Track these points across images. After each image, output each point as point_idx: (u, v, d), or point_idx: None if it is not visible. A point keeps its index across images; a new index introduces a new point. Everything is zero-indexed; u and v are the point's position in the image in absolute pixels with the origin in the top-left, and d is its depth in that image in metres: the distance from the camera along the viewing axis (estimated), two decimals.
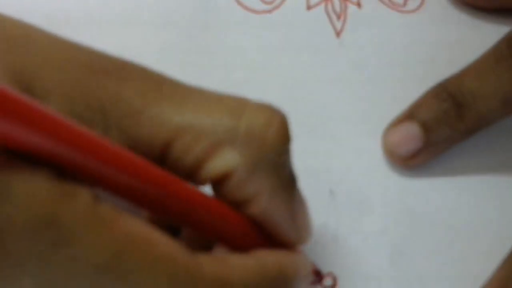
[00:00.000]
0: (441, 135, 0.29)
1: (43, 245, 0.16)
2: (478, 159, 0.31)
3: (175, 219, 0.20)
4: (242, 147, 0.20)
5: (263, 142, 0.20)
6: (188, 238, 0.22)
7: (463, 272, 0.29)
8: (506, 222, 0.30)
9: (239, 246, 0.21)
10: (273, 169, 0.20)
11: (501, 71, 0.29)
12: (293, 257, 0.22)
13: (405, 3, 0.34)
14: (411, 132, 0.29)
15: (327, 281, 0.28)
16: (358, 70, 0.32)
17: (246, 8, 0.33)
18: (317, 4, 0.34)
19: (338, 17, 0.34)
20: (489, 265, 0.28)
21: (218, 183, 0.20)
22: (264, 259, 0.21)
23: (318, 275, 0.28)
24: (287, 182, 0.21)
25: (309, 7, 0.34)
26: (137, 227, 0.18)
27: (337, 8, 0.34)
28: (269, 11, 0.33)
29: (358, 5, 0.34)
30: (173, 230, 0.21)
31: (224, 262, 0.19)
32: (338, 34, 0.33)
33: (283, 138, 0.20)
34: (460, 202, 0.30)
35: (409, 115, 0.30)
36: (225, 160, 0.20)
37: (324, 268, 0.28)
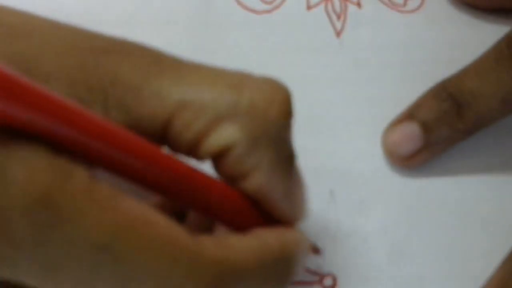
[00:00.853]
0: (441, 135, 0.29)
1: (41, 226, 0.16)
2: (478, 159, 0.31)
3: (174, 198, 0.19)
4: (243, 122, 0.19)
5: (264, 117, 0.20)
6: (191, 223, 0.22)
7: (463, 272, 0.29)
8: (506, 222, 0.30)
9: (239, 225, 0.21)
10: (273, 144, 0.20)
11: (501, 71, 0.29)
12: (292, 234, 0.22)
13: (405, 3, 0.34)
14: (411, 132, 0.29)
15: (327, 281, 0.28)
16: (358, 70, 0.32)
17: (246, 8, 0.33)
18: (317, 4, 0.34)
19: (338, 17, 0.34)
20: (489, 265, 0.28)
21: (218, 157, 0.20)
22: (265, 237, 0.20)
23: (316, 251, 0.28)
24: (285, 158, 0.21)
25: (309, 7, 0.34)
26: (136, 208, 0.17)
27: (337, 8, 0.34)
28: (269, 11, 0.33)
29: (358, 5, 0.34)
30: (177, 216, 0.21)
31: (225, 242, 0.19)
32: (338, 34, 0.33)
33: (285, 113, 0.20)
34: (460, 202, 0.30)
35: (409, 115, 0.30)
36: (225, 135, 0.19)
37: (324, 268, 0.28)
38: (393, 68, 0.32)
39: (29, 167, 0.16)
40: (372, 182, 0.30)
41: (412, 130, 0.29)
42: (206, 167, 0.21)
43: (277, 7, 0.34)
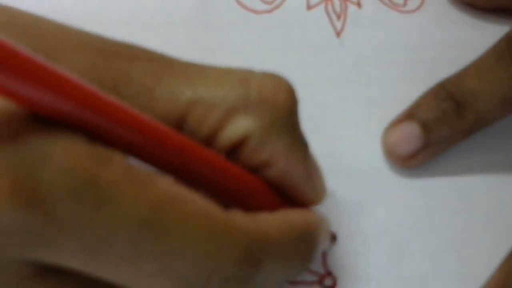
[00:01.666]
0: (441, 135, 0.29)
1: (85, 206, 0.17)
2: (478, 159, 0.31)
3: (198, 184, 0.20)
4: (254, 112, 0.20)
5: (273, 105, 0.21)
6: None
7: (463, 272, 0.29)
8: (506, 222, 0.30)
9: (264, 209, 0.21)
10: (286, 129, 0.21)
11: (501, 71, 0.29)
12: (315, 215, 0.23)
13: (405, 3, 0.34)
14: (411, 132, 0.29)
15: (327, 281, 0.28)
16: (358, 70, 0.32)
17: (246, 8, 0.33)
18: (317, 4, 0.34)
19: (338, 17, 0.34)
20: (489, 265, 0.28)
21: (235, 149, 0.21)
22: (291, 216, 0.21)
23: (333, 238, 0.28)
24: (300, 142, 0.22)
25: (309, 7, 0.34)
26: (172, 186, 0.18)
27: (337, 8, 0.34)
28: (269, 11, 0.34)
29: (358, 5, 0.34)
30: None
31: (255, 216, 0.20)
32: (338, 34, 0.33)
33: (292, 100, 0.21)
34: (460, 202, 0.30)
35: (409, 115, 0.30)
36: (240, 126, 0.20)
37: (324, 268, 0.28)
38: (393, 68, 0.32)
39: (71, 153, 0.17)
40: (372, 182, 0.30)
41: (412, 130, 0.29)
42: None
43: (277, 7, 0.34)
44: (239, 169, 0.21)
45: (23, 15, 0.20)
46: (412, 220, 0.29)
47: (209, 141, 0.20)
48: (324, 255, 0.29)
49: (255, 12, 0.33)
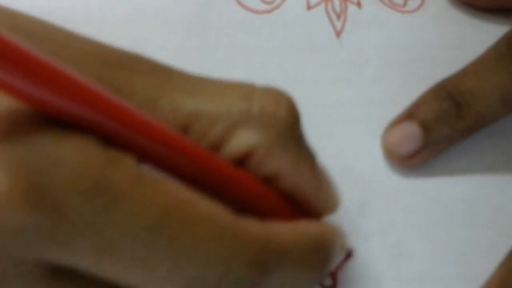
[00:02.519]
0: (440, 135, 0.29)
1: (96, 208, 0.17)
2: (478, 159, 0.31)
3: (211, 191, 0.20)
4: (257, 126, 0.20)
5: (276, 120, 0.21)
6: None
7: (463, 272, 0.29)
8: (506, 222, 0.30)
9: (276, 220, 0.21)
10: (291, 142, 0.21)
11: (500, 70, 0.29)
12: (330, 227, 0.23)
13: (405, 3, 0.34)
14: (411, 132, 0.29)
15: (327, 281, 0.28)
16: (358, 70, 0.32)
17: (246, 8, 0.33)
18: (317, 4, 0.34)
19: (338, 17, 0.34)
20: (489, 265, 0.28)
21: (240, 163, 0.21)
22: (305, 226, 0.21)
23: (349, 254, 0.28)
24: (307, 154, 0.22)
25: (309, 7, 0.34)
26: (181, 191, 0.18)
27: (337, 8, 0.34)
28: (269, 11, 0.34)
29: (358, 5, 0.34)
30: None
31: (267, 224, 0.20)
32: (338, 34, 0.33)
33: (293, 114, 0.21)
34: (460, 202, 0.30)
35: (409, 114, 0.30)
36: (243, 140, 0.20)
37: None
38: (393, 68, 0.32)
39: (83, 154, 0.17)
40: (372, 182, 0.30)
41: (412, 129, 0.29)
42: None
43: (277, 7, 0.34)
44: (252, 178, 0.21)
45: (27, 20, 0.20)
46: (412, 220, 0.29)
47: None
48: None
49: (255, 12, 0.33)
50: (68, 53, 0.20)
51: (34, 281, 0.18)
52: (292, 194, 0.22)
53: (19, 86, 0.15)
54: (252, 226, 0.19)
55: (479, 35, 0.33)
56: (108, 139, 0.17)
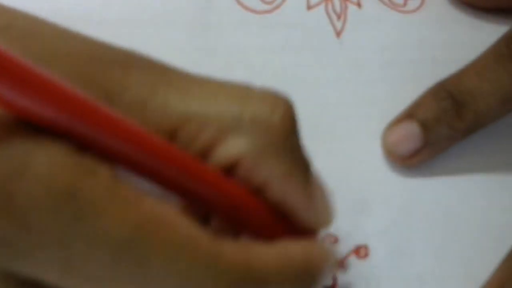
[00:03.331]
0: (440, 134, 0.29)
1: (64, 218, 0.16)
2: (478, 159, 0.31)
3: (196, 201, 0.19)
4: (248, 134, 0.19)
5: (268, 128, 0.20)
6: (216, 227, 0.22)
7: (463, 272, 0.29)
8: (506, 222, 0.30)
9: (264, 233, 0.21)
10: (282, 153, 0.20)
11: (500, 70, 0.29)
12: (319, 248, 0.21)
13: (405, 3, 0.34)
14: (411, 132, 0.29)
15: (328, 281, 0.28)
16: (358, 70, 0.32)
17: (246, 8, 0.33)
18: (317, 4, 0.34)
19: (338, 17, 0.34)
20: (489, 265, 0.28)
21: (228, 170, 0.20)
22: (290, 248, 0.20)
23: (342, 266, 0.28)
24: (299, 166, 0.21)
25: (309, 7, 0.34)
26: (157, 208, 0.17)
27: (337, 8, 0.34)
28: (269, 11, 0.34)
29: (358, 5, 0.34)
30: (201, 220, 0.21)
31: (247, 249, 0.19)
32: (338, 34, 0.33)
33: (289, 122, 0.20)
34: (460, 202, 0.30)
35: (409, 114, 0.30)
36: (232, 147, 0.19)
37: None
38: (393, 68, 0.32)
39: (53, 162, 0.16)
40: (372, 182, 0.30)
41: (411, 129, 0.29)
42: None
43: (277, 7, 0.34)
44: (240, 188, 0.20)
45: (24, 18, 0.20)
46: (412, 220, 0.29)
47: (201, 159, 0.20)
48: None
49: (255, 12, 0.33)
50: (60, 51, 0.19)
51: None
52: (281, 206, 0.21)
53: None
54: (229, 252, 0.18)
55: (479, 35, 0.33)
56: (87, 145, 0.17)
